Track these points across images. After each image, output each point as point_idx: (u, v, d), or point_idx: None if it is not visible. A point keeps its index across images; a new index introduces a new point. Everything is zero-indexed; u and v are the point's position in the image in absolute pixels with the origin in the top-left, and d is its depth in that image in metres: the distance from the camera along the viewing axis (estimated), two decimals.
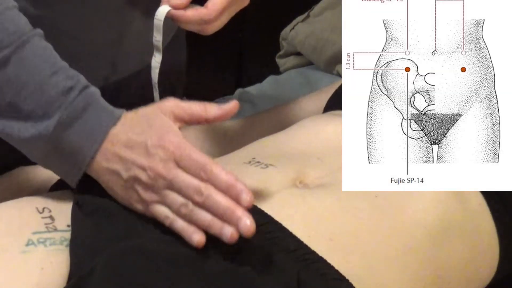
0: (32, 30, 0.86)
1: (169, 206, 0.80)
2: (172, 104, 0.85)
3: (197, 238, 0.78)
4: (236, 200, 0.77)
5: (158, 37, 0.95)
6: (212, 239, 0.79)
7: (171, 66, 1.20)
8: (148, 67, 1.09)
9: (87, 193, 0.88)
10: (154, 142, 0.81)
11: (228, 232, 0.77)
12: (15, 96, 0.83)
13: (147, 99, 1.11)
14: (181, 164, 0.80)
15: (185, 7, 0.93)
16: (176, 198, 0.80)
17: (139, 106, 0.95)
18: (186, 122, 0.85)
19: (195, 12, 0.93)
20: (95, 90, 0.86)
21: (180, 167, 0.80)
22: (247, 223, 0.76)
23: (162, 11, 0.93)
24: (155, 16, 0.93)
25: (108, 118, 0.84)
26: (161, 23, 0.93)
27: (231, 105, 0.84)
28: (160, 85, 0.98)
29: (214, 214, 0.78)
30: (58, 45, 0.98)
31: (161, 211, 0.81)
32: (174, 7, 0.92)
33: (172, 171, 0.80)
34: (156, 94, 0.98)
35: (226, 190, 0.78)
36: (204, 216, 0.78)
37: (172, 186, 0.80)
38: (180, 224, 0.80)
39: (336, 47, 1.60)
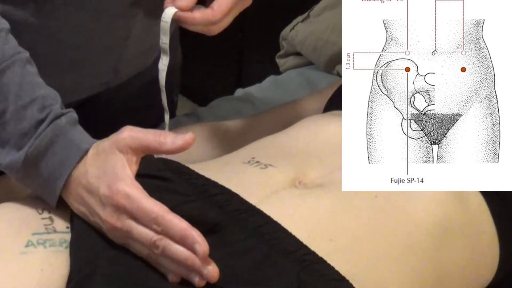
0: (16, 55, 0.85)
1: (137, 252, 0.79)
2: (127, 136, 0.82)
3: (170, 277, 0.78)
4: (192, 251, 0.76)
5: (165, 40, 0.94)
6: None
7: (170, 66, 1.20)
8: (148, 69, 1.10)
9: None
10: (105, 191, 0.80)
11: (194, 279, 0.76)
12: None
13: (147, 100, 1.11)
14: (133, 216, 0.79)
15: (191, 9, 0.93)
16: (140, 247, 0.79)
17: (139, 108, 0.95)
18: (143, 153, 0.83)
19: (201, 14, 0.92)
20: (66, 121, 0.85)
21: (133, 218, 0.79)
22: (210, 270, 0.76)
23: (169, 13, 0.92)
24: (162, 19, 0.92)
25: (74, 152, 0.83)
26: (168, 25, 0.92)
27: (187, 138, 0.81)
28: (155, 85, 0.97)
29: (176, 263, 0.77)
30: (59, 54, 0.99)
31: (135, 249, 0.80)
32: (181, 9, 0.92)
33: (126, 223, 0.79)
34: (163, 96, 0.97)
35: (181, 241, 0.76)
36: (169, 264, 0.77)
37: (131, 236, 0.79)
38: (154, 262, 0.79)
39: (336, 47, 1.60)
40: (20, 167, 0.83)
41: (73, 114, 0.85)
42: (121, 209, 0.79)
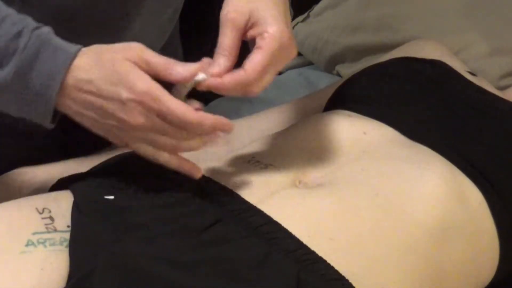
0: None
1: (151, 143, 0.82)
2: (138, 48, 0.83)
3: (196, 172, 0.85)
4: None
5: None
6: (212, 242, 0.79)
7: None
8: None
9: (86, 193, 0.88)
10: (129, 96, 0.80)
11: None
12: None
13: None
14: (162, 115, 0.81)
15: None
16: (160, 138, 0.83)
17: None
18: (147, 72, 0.82)
19: (232, 78, 0.85)
20: (47, 30, 0.84)
21: (161, 117, 0.81)
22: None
23: (197, 79, 0.85)
24: (187, 84, 0.85)
25: (63, 56, 0.82)
26: (187, 90, 0.86)
27: (192, 70, 0.84)
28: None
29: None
30: None
31: (143, 149, 0.83)
32: (213, 76, 0.85)
33: (155, 120, 0.81)
34: None
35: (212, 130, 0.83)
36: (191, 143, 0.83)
37: (156, 129, 0.81)
38: (167, 159, 0.84)
39: (336, 47, 1.60)
40: (9, 84, 0.82)
41: (48, 27, 0.84)
42: (150, 110, 0.80)
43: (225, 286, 0.76)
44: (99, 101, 0.82)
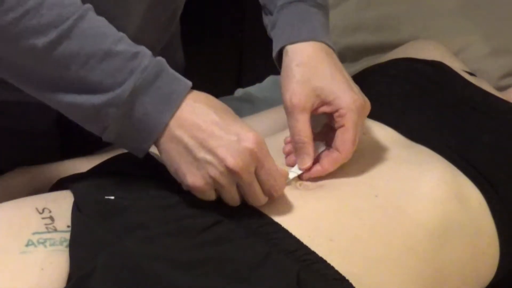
0: (87, 5, 0.84)
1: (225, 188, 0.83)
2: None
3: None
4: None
5: None
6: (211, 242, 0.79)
7: (171, 67, 1.20)
8: None
9: (87, 193, 0.88)
10: (248, 145, 0.81)
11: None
12: (82, 69, 0.81)
13: None
14: (258, 170, 0.82)
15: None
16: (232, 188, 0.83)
17: None
18: None
19: (331, 162, 0.91)
20: (163, 59, 0.85)
21: (256, 174, 0.82)
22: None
23: (291, 178, 0.91)
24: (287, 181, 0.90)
25: (181, 85, 0.83)
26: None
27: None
28: None
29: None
30: None
31: (229, 196, 0.84)
32: (304, 170, 0.91)
33: (251, 176, 0.82)
34: None
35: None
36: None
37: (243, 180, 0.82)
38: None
39: (336, 47, 1.59)
40: (124, 102, 0.81)
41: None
42: (255, 160, 0.81)
43: (225, 286, 0.76)
44: (209, 129, 0.81)
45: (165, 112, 0.82)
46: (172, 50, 1.19)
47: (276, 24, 1.01)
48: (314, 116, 0.94)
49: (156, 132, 0.82)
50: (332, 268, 0.80)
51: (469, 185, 0.95)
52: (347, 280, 0.80)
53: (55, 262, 0.81)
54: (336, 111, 0.91)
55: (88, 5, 0.84)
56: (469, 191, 0.95)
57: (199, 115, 0.82)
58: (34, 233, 0.83)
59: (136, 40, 0.96)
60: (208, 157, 0.81)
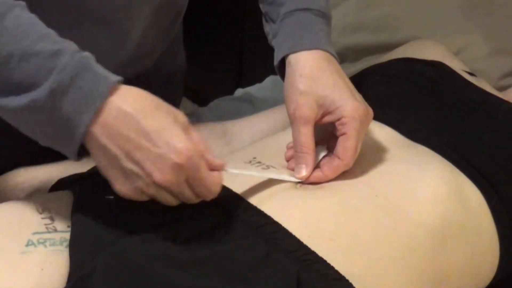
0: (14, 2, 0.80)
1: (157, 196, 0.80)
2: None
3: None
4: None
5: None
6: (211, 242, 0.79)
7: (172, 69, 1.20)
8: (149, 71, 1.08)
9: (87, 194, 0.88)
10: (174, 155, 0.77)
11: None
12: (4, 69, 0.78)
13: None
14: (189, 182, 0.80)
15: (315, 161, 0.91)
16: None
17: None
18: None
19: (333, 169, 0.91)
20: (88, 54, 0.80)
21: (188, 183, 0.80)
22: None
23: (292, 179, 0.91)
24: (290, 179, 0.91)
25: (102, 83, 0.78)
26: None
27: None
28: (161, 88, 0.96)
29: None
30: None
31: (163, 198, 0.81)
32: (302, 180, 0.91)
33: (181, 187, 0.79)
34: None
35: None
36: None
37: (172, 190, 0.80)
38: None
39: (336, 47, 1.59)
40: (44, 104, 0.77)
41: (88, 52, 0.81)
42: (183, 173, 0.78)
43: (225, 286, 0.76)
44: (136, 140, 0.77)
45: (85, 113, 0.77)
46: (173, 53, 1.19)
47: (278, 33, 1.00)
48: (318, 125, 0.94)
49: (78, 135, 0.78)
50: (332, 268, 0.80)
51: (469, 185, 0.95)
52: (347, 280, 0.80)
53: (55, 262, 0.81)
54: (339, 119, 0.92)
55: (18, 2, 0.81)
56: (469, 191, 0.95)
57: (125, 122, 0.78)
58: (34, 233, 0.83)
59: (140, 42, 0.95)
60: (135, 169, 0.78)
